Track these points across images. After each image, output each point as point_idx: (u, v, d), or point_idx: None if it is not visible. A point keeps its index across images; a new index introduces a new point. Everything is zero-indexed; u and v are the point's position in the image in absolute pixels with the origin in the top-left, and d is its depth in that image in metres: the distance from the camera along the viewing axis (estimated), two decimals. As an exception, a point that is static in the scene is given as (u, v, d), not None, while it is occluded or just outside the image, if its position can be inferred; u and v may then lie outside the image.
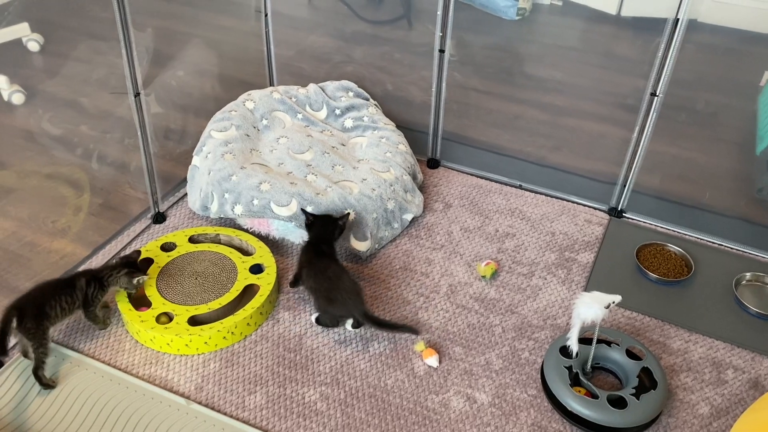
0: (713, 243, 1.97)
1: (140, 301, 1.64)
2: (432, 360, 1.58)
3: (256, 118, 2.05)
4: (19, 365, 1.52)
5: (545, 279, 1.83)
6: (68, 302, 1.52)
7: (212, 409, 1.46)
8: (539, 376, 1.56)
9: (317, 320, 1.65)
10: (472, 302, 1.75)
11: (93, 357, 1.56)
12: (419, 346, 1.60)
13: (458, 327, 1.68)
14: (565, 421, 1.46)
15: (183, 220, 1.97)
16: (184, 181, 2.09)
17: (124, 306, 1.61)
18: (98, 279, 1.58)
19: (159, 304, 1.62)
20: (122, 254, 1.79)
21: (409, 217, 1.97)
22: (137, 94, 1.70)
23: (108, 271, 1.60)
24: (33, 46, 2.70)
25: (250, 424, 1.43)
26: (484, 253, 1.91)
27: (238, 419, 1.44)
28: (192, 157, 2.00)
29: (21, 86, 2.36)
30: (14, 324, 1.44)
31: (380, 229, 1.87)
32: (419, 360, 1.59)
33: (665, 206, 2.03)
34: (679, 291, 1.81)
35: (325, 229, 1.72)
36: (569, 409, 1.44)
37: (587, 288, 1.80)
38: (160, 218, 1.93)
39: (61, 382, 1.49)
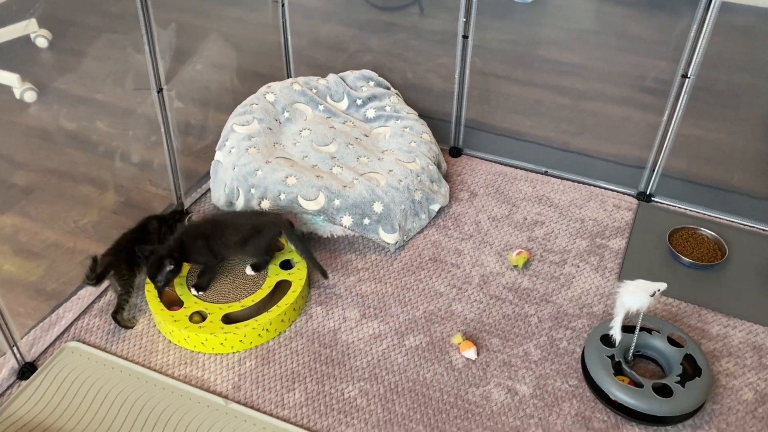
0: (745, 225, 1.94)
1: (170, 302, 1.62)
2: (470, 352, 1.56)
3: (278, 111, 2.01)
4: (51, 370, 1.50)
5: (578, 267, 1.81)
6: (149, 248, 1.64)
7: (251, 407, 1.44)
8: (579, 365, 1.54)
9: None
10: (505, 292, 1.73)
11: (127, 358, 1.54)
12: (456, 338, 1.58)
13: (493, 318, 1.66)
14: (608, 410, 1.45)
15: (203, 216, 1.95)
16: (205, 176, 2.06)
17: (155, 306, 1.58)
18: (165, 221, 1.74)
19: (191, 303, 1.60)
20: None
21: (436, 207, 1.94)
22: (160, 90, 1.66)
23: (170, 215, 1.77)
24: (41, 43, 2.66)
25: (291, 423, 1.41)
26: (514, 242, 1.88)
27: (278, 417, 1.42)
28: (214, 152, 1.97)
29: (32, 83, 2.32)
30: (111, 273, 1.59)
31: (408, 220, 1.85)
32: (456, 352, 1.57)
33: (695, 189, 2.00)
34: (714, 275, 1.78)
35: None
36: (613, 398, 1.42)
37: (621, 275, 1.78)
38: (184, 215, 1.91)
39: (96, 385, 1.47)
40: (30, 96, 2.40)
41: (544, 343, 1.60)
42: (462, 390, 1.49)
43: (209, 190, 2.03)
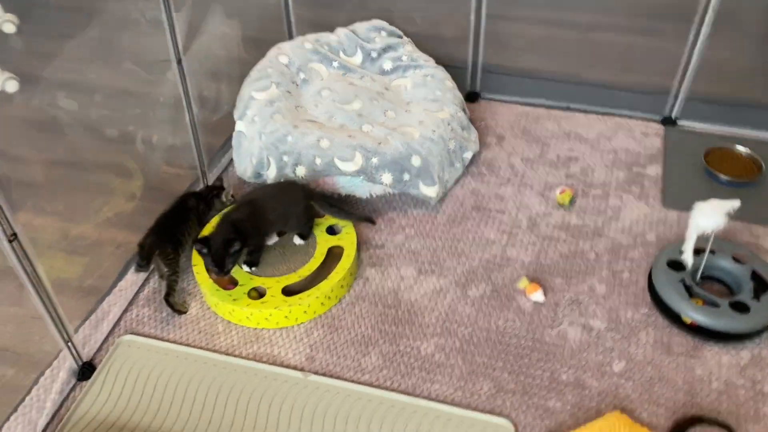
0: (774, 138, 1.96)
1: (220, 283, 1.55)
2: (537, 295, 1.54)
3: (293, 73, 1.92)
4: (111, 367, 1.43)
5: (621, 197, 1.80)
6: (190, 226, 1.62)
7: (331, 377, 1.40)
8: (647, 294, 1.54)
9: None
10: (557, 232, 1.71)
11: (188, 344, 1.48)
12: (522, 282, 1.56)
13: (551, 258, 1.64)
14: (686, 334, 1.45)
15: (233, 189, 1.86)
16: (222, 150, 1.97)
17: (210, 286, 1.52)
18: (202, 197, 1.69)
19: (246, 279, 1.53)
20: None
21: (469, 155, 1.89)
22: (179, 61, 1.56)
23: (207, 191, 1.73)
24: (8, 28, 2.48)
25: (374, 386, 1.38)
26: (552, 181, 1.86)
27: (360, 383, 1.39)
28: (230, 125, 1.88)
29: (11, 72, 2.17)
30: (156, 253, 1.53)
31: (445, 171, 1.80)
32: (523, 297, 1.55)
33: (720, 109, 2.00)
34: (754, 191, 1.79)
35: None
36: (690, 321, 1.43)
37: (665, 200, 1.77)
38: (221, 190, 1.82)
39: (163, 375, 1.41)
40: (12, 86, 2.23)
41: (607, 277, 1.59)
42: (537, 333, 1.48)
43: (230, 163, 1.94)
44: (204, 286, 1.52)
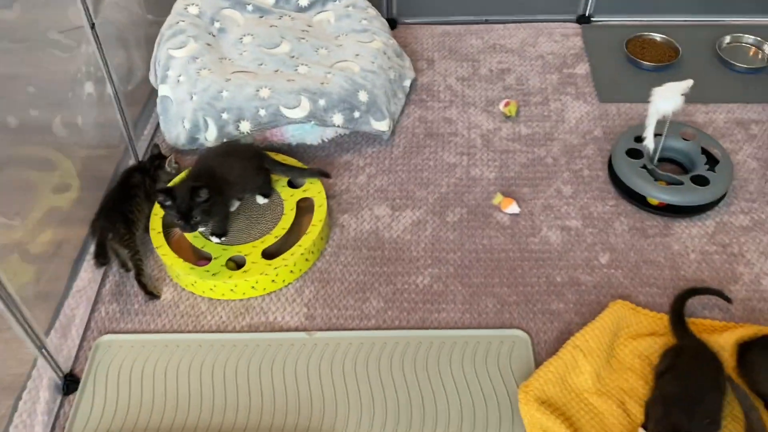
0: (686, 21, 2.06)
1: (190, 260, 1.44)
2: (512, 207, 1.56)
3: (207, 24, 1.76)
4: (97, 374, 1.30)
5: (560, 100, 1.84)
6: (139, 203, 1.50)
7: (336, 330, 1.36)
8: (610, 186, 1.60)
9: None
10: (511, 144, 1.73)
11: (174, 331, 1.37)
12: (497, 199, 1.57)
13: (513, 170, 1.66)
14: (655, 215, 1.53)
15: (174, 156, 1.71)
16: (141, 119, 1.79)
17: (183, 266, 1.40)
18: (146, 171, 1.55)
19: (219, 251, 1.43)
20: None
21: (408, 83, 1.85)
22: (93, 25, 1.37)
23: (149, 163, 1.57)
24: None
25: (383, 329, 1.36)
26: (492, 96, 1.86)
27: (368, 329, 1.36)
28: (149, 90, 1.71)
29: None
30: (110, 236, 1.41)
31: (390, 102, 1.75)
32: (499, 212, 1.57)
33: (629, 1, 2.07)
34: (675, 72, 1.89)
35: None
36: (659, 202, 1.51)
37: (600, 95, 1.83)
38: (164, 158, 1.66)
39: (157, 369, 1.30)
40: None
41: (569, 178, 1.64)
42: (522, 243, 1.50)
43: (155, 134, 1.78)
44: (176, 267, 1.41)
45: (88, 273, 1.47)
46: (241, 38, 1.76)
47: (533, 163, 1.68)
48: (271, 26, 1.79)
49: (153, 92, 1.77)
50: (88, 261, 1.46)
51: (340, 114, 1.63)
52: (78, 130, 1.52)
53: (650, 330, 1.31)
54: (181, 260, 1.41)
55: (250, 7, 1.83)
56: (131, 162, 1.67)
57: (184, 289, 1.44)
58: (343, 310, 1.40)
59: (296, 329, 1.37)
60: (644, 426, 1.15)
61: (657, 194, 1.50)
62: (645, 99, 1.80)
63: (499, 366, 1.28)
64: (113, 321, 1.40)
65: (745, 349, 1.24)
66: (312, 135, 1.66)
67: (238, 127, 1.60)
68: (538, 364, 1.27)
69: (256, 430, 1.21)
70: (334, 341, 1.33)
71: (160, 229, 1.47)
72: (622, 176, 1.55)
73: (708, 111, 1.78)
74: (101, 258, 1.39)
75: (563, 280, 1.43)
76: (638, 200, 1.54)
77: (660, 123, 1.53)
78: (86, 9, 1.34)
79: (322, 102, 1.61)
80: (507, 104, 1.79)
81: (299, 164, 1.59)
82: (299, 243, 1.44)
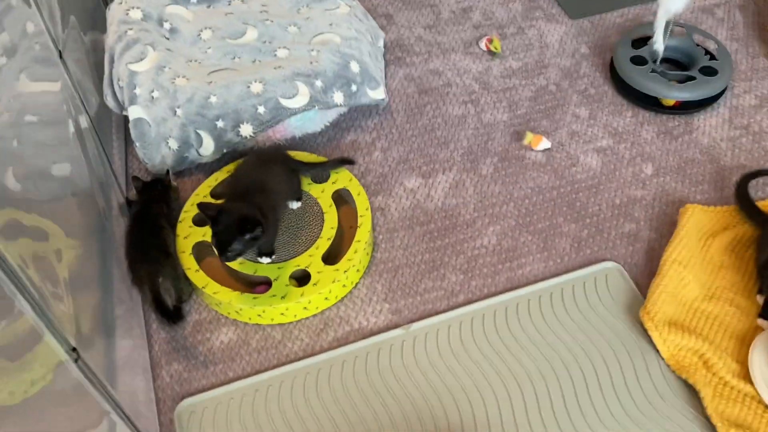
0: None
1: (229, 283, 1.28)
2: (543, 143, 1.51)
3: (156, 26, 1.53)
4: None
5: (534, 25, 1.80)
6: (167, 232, 1.32)
7: (429, 316, 1.27)
8: (619, 97, 1.60)
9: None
10: (509, 80, 1.67)
11: (260, 370, 1.22)
12: (527, 138, 1.51)
13: (524, 107, 1.61)
14: (673, 115, 1.55)
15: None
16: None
17: (246, 298, 1.24)
18: (156, 198, 1.35)
19: (275, 271, 1.28)
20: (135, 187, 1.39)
21: (382, 43, 1.73)
22: (61, 54, 1.13)
23: (160, 190, 1.37)
24: None
25: (476, 300, 1.28)
26: (467, 37, 1.78)
27: (461, 305, 1.28)
28: (110, 115, 1.48)
29: None
30: (160, 280, 1.23)
31: (377, 67, 1.63)
32: (530, 152, 1.52)
33: None
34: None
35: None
36: (675, 101, 1.52)
37: (569, 13, 1.81)
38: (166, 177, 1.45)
39: (260, 413, 1.15)
40: None
41: (579, 99, 1.62)
42: (567, 176, 1.47)
43: (128, 161, 1.55)
44: (237, 302, 1.24)
45: (126, 339, 1.27)
46: (198, 34, 1.55)
47: (539, 94, 1.64)
48: (226, 14, 1.59)
49: (117, 118, 1.53)
50: (123, 327, 1.25)
51: (339, 92, 1.49)
52: (52, 179, 1.28)
53: (724, 225, 1.34)
54: (239, 293, 1.25)
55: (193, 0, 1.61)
56: (120, 199, 1.45)
57: (246, 323, 1.28)
58: (425, 294, 1.31)
59: (387, 328, 1.26)
60: (762, 313, 1.18)
61: (674, 94, 1.51)
62: (612, 7, 1.82)
63: (603, 303, 1.26)
64: (183, 383, 1.22)
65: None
66: (315, 122, 1.51)
67: (239, 132, 1.42)
68: (640, 288, 1.26)
69: (399, 446, 1.11)
70: (432, 328, 1.25)
71: (190, 251, 1.30)
72: (635, 84, 1.55)
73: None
74: (168, 314, 1.20)
75: (622, 200, 1.42)
76: (653, 104, 1.55)
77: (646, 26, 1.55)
78: (52, 35, 1.10)
79: (318, 83, 1.46)
80: (489, 41, 1.73)
81: (318, 158, 1.45)
82: (357, 237, 1.31)
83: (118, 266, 1.25)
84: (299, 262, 1.29)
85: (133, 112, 1.43)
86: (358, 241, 1.31)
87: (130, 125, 1.44)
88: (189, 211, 1.38)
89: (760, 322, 1.19)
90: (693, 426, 1.09)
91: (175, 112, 1.40)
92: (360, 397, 1.17)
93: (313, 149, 1.54)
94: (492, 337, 1.23)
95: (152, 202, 1.33)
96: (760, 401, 1.10)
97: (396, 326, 1.26)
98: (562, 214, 1.41)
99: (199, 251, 1.32)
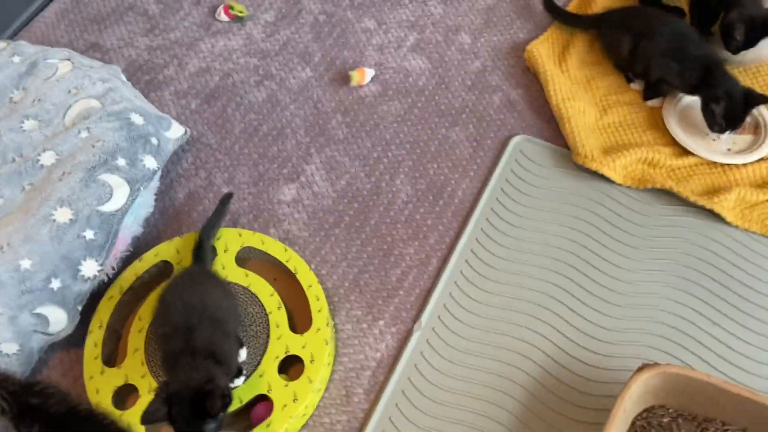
0: None
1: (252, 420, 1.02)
2: (368, 73, 1.39)
3: None
4: None
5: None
6: None
7: (425, 300, 1.15)
8: None
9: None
10: (277, 35, 1.48)
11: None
12: (353, 78, 1.37)
13: (315, 50, 1.45)
14: None
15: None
16: None
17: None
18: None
19: (276, 385, 1.03)
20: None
21: (123, 76, 1.38)
22: None
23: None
24: None
25: (453, 246, 1.19)
26: (199, 19, 1.51)
27: (445, 260, 1.18)
28: None
29: None
30: None
31: (151, 107, 1.31)
32: (365, 87, 1.39)
33: None
34: None
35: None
36: None
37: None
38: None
39: None
40: None
41: (356, 13, 1.49)
42: (411, 90, 1.38)
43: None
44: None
45: None
46: None
47: (316, 30, 1.48)
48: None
49: None
50: None
51: (147, 155, 1.18)
52: None
53: (563, 44, 1.40)
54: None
55: None
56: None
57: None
58: (402, 283, 1.17)
59: (405, 341, 1.12)
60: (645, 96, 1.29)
61: None
62: None
63: (540, 174, 1.24)
64: None
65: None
66: (144, 204, 1.19)
67: (83, 277, 1.06)
68: (554, 141, 1.28)
69: None
70: (438, 306, 1.13)
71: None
72: None
73: None
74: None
75: (471, 80, 1.38)
76: None
77: None
78: None
79: (121, 162, 1.13)
80: (228, 9, 1.48)
81: (192, 234, 1.16)
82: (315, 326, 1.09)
83: None
84: (264, 370, 1.05)
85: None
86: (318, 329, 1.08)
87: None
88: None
89: (650, 103, 1.29)
90: (685, 218, 1.17)
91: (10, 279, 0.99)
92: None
93: (161, 235, 1.23)
94: (489, 270, 1.16)
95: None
96: (707, 163, 1.21)
97: (408, 333, 1.13)
98: (441, 126, 1.34)
99: None
